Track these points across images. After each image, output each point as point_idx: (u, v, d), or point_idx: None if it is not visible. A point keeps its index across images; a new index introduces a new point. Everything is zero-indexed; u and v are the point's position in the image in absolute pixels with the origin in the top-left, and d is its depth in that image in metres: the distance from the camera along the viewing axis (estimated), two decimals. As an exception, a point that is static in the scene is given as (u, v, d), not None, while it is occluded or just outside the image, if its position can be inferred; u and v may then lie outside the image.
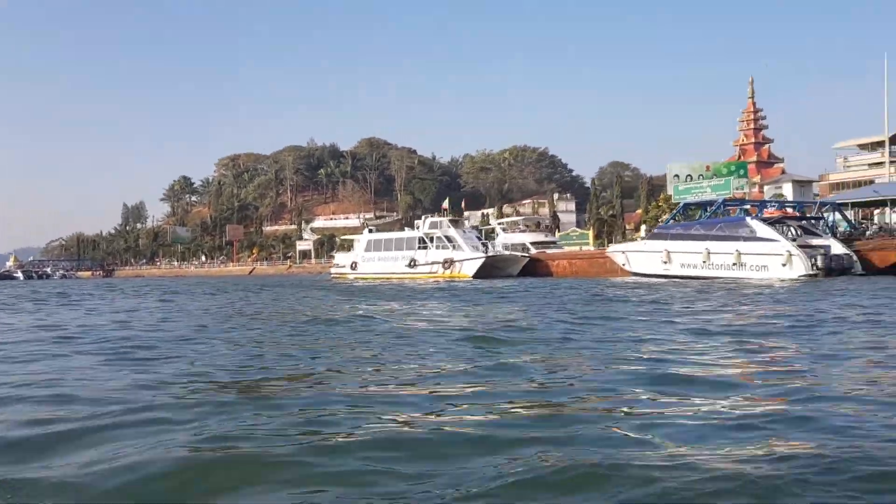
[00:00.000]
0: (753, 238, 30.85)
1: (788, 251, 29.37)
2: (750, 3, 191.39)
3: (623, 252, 36.53)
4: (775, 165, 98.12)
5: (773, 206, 36.46)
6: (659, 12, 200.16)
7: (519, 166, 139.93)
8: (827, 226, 36.12)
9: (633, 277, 34.99)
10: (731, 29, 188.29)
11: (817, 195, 75.83)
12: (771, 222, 31.94)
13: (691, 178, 74.85)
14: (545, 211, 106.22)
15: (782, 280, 29.40)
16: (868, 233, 53.82)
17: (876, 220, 59.99)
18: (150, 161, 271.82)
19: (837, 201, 61.52)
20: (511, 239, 51.58)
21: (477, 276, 41.77)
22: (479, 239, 46.36)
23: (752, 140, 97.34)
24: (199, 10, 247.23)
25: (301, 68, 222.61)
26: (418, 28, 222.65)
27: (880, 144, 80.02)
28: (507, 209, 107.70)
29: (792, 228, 32.58)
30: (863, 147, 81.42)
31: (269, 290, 29.51)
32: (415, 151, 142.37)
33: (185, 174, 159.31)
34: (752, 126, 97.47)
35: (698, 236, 33.02)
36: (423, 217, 50.09)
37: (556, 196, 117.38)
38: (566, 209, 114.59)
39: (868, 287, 21.44)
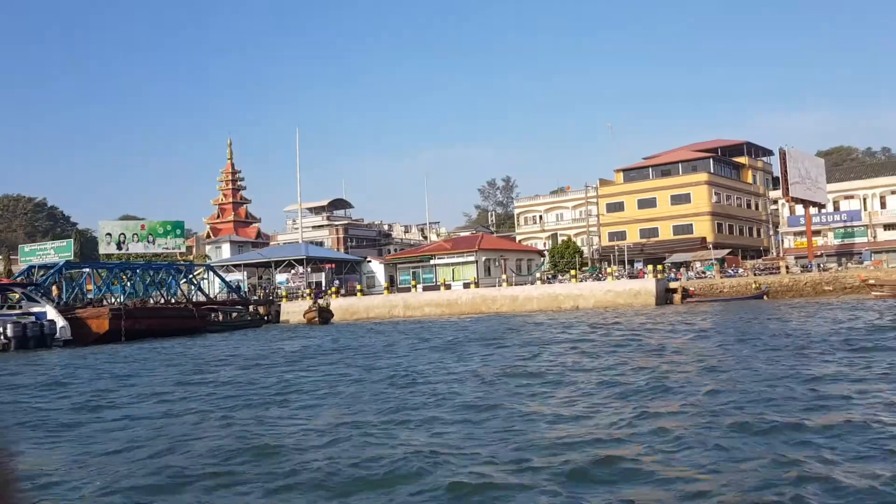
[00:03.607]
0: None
1: (-29, 322, 27.82)
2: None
3: None
4: (252, 225, 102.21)
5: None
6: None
7: (8, 217, 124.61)
8: (43, 292, 35.54)
9: None
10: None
11: (261, 254, 79.30)
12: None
13: (125, 238, 72.79)
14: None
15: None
16: (254, 297, 57.43)
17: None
18: None
19: (232, 263, 65.08)
20: None
21: None
22: None
23: (231, 200, 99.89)
24: None
25: None
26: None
27: (323, 209, 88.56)
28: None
29: (17, 296, 31.43)
30: (311, 210, 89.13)
31: None
32: None
33: None
34: (230, 186, 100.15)
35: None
36: None
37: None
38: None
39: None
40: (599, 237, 70.15)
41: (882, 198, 63.76)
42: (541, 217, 76.51)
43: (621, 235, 71.58)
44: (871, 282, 40.78)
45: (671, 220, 69.50)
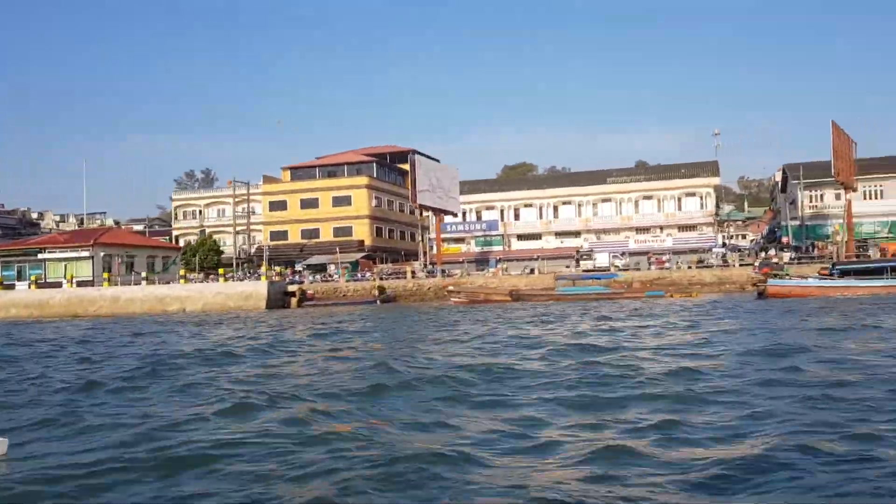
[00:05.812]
0: None
1: None
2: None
3: None
4: None
5: None
6: None
7: None
8: None
9: None
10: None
11: None
12: None
13: None
14: None
15: None
16: None
17: None
18: None
19: None
20: None
21: None
22: None
23: None
24: None
25: None
26: None
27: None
28: None
29: None
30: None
31: None
32: None
33: None
34: None
35: None
36: None
37: None
38: None
39: None
40: (249, 235, 67.65)
41: (517, 210, 68.89)
42: (200, 212, 72.12)
43: (283, 235, 69.81)
44: (451, 288, 42.71)
45: (332, 222, 69.13)
